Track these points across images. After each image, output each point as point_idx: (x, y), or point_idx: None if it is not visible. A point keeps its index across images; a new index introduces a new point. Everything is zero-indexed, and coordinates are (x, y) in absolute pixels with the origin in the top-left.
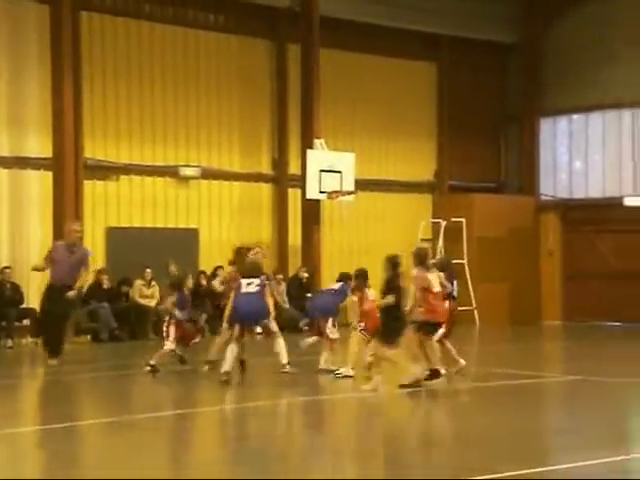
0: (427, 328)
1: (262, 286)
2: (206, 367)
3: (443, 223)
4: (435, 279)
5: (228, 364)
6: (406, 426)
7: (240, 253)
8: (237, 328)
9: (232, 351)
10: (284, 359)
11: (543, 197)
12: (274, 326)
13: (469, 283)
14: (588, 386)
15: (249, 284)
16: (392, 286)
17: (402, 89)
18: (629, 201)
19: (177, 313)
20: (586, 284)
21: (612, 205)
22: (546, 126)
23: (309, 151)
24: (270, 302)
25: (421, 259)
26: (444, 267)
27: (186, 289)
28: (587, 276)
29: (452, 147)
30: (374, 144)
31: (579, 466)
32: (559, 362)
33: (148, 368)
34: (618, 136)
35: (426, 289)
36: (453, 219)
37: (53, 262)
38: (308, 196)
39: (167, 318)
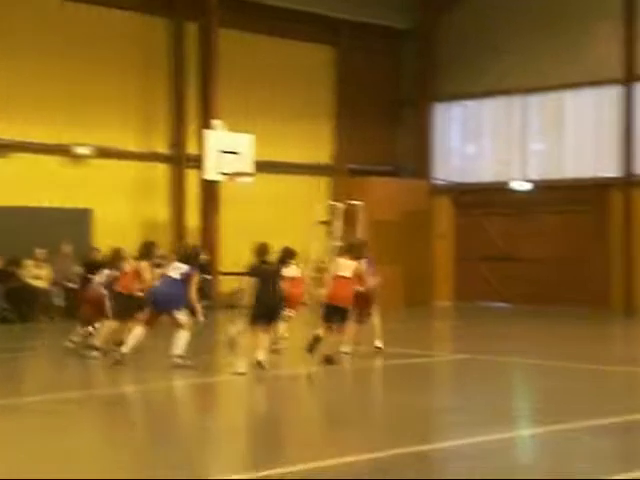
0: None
1: (187, 275)
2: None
3: (341, 206)
4: (348, 264)
5: (128, 346)
6: (290, 406)
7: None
8: (148, 311)
9: (136, 334)
10: (177, 350)
11: (436, 181)
12: (182, 317)
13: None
14: (476, 364)
15: (175, 269)
16: (257, 272)
17: (301, 71)
18: (515, 185)
19: None
20: (476, 266)
21: (500, 189)
22: (440, 111)
23: (207, 132)
24: (191, 293)
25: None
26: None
27: None
28: (477, 258)
29: (350, 130)
30: (273, 126)
31: (466, 444)
32: (449, 341)
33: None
34: (508, 122)
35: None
36: (351, 202)
37: None
38: (206, 177)
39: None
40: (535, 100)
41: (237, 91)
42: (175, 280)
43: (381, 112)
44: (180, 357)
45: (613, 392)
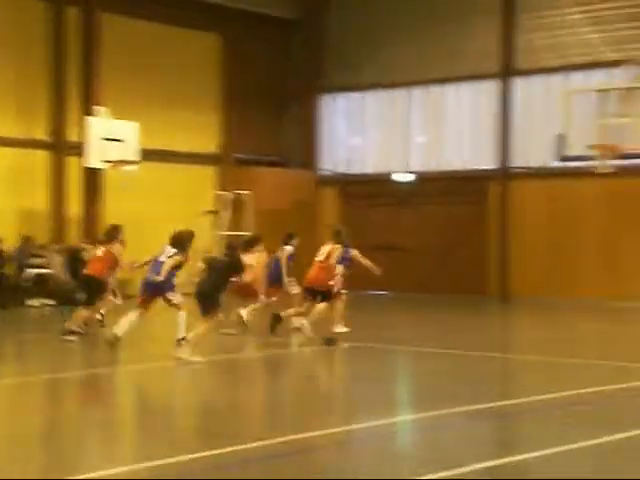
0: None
1: (171, 257)
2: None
3: (229, 195)
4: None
5: (120, 328)
6: (165, 396)
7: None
8: (141, 295)
9: (129, 317)
10: (180, 334)
11: (323, 172)
12: (176, 299)
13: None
14: (359, 352)
15: (166, 253)
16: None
17: (188, 59)
18: (398, 177)
19: None
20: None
21: (384, 180)
22: (326, 103)
23: (90, 119)
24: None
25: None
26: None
27: None
28: (363, 248)
29: (238, 120)
30: (159, 114)
31: (343, 431)
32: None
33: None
34: (392, 115)
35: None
36: (238, 191)
37: None
38: (88, 165)
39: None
40: (418, 93)
41: (122, 78)
42: (164, 264)
43: (269, 102)
44: (182, 340)
45: (488, 378)
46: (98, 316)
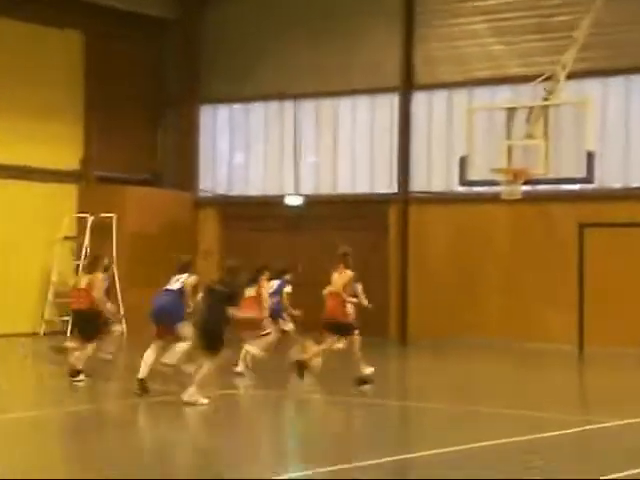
0: None
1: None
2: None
3: (90, 218)
4: None
5: (142, 371)
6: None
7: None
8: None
9: (148, 356)
10: (167, 359)
11: (202, 193)
12: (184, 330)
13: (117, 287)
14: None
15: (176, 280)
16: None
17: (45, 61)
18: (288, 199)
19: None
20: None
21: (271, 203)
22: (207, 114)
23: None
24: (189, 303)
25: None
26: None
27: None
28: (246, 279)
29: (103, 132)
30: (10, 123)
31: None
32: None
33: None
34: (280, 130)
35: None
36: (102, 214)
37: None
38: None
39: None
40: (309, 106)
41: None
42: (174, 292)
43: (141, 112)
44: (167, 365)
45: (388, 428)
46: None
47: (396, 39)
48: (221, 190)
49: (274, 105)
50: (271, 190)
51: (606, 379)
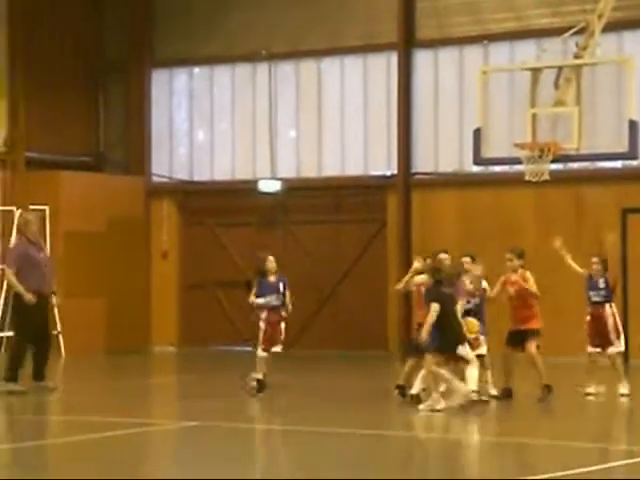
0: None
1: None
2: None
3: (17, 212)
4: None
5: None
6: None
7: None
8: None
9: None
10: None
11: (156, 178)
12: (465, 351)
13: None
14: (205, 434)
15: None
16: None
17: None
18: (262, 185)
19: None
20: (211, 295)
21: (242, 190)
22: (160, 81)
23: None
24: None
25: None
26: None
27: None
28: (214, 284)
29: (31, 106)
30: None
31: None
32: (171, 404)
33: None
34: (252, 99)
35: None
36: (31, 207)
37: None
38: None
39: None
40: (287, 70)
41: None
42: None
43: (78, 82)
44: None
45: (392, 466)
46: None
47: None
48: (180, 175)
49: (244, 68)
50: (242, 174)
51: None
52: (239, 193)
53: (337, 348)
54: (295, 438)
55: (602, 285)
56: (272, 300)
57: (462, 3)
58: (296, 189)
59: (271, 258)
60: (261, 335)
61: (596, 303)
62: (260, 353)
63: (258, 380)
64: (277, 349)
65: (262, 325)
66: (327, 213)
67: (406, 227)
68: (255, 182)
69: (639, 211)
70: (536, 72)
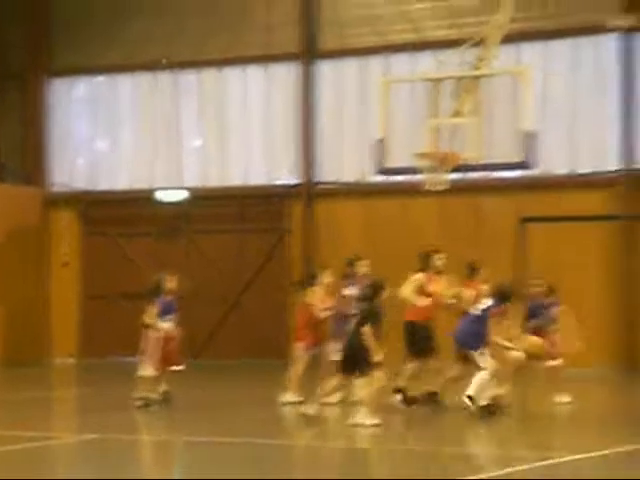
0: None
1: (485, 310)
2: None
3: None
4: None
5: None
6: None
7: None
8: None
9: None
10: (470, 390)
11: (55, 188)
12: (482, 360)
13: None
14: (106, 447)
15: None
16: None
17: None
18: (167, 195)
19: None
20: (112, 307)
21: (146, 199)
22: (60, 90)
23: None
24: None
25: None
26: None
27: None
28: (115, 295)
29: None
30: None
31: None
32: (71, 417)
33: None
34: (154, 107)
35: None
36: None
37: None
38: None
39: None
40: (190, 79)
41: None
42: (475, 317)
43: None
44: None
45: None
46: None
47: None
48: (79, 184)
49: (146, 77)
50: (143, 184)
51: None
52: (141, 203)
53: (241, 357)
54: (193, 448)
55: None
56: (172, 320)
57: (363, 14)
58: (200, 198)
59: (171, 277)
60: (156, 355)
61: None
62: (152, 372)
63: (152, 398)
64: (179, 367)
65: (156, 344)
66: (231, 222)
67: (309, 236)
68: (157, 192)
69: (536, 220)
70: (436, 83)
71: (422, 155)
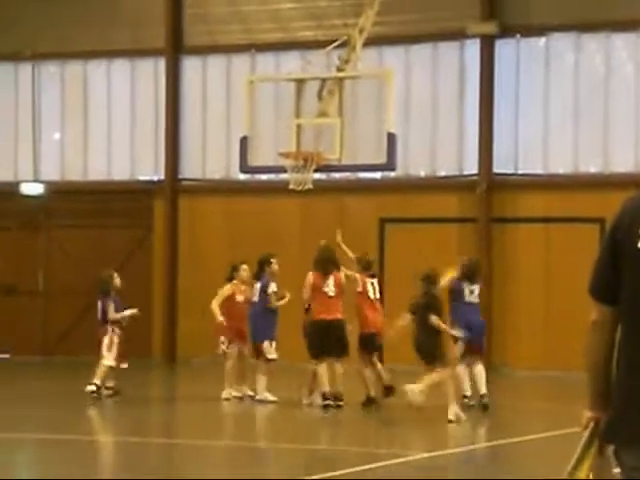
0: None
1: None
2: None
3: None
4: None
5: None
6: None
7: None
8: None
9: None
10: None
11: None
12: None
13: None
14: None
15: (472, 291)
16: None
17: None
18: (27, 189)
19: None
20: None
21: (6, 193)
22: None
23: None
24: None
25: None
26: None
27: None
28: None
29: None
30: None
31: None
32: None
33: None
34: (14, 99)
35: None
36: None
37: None
38: None
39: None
40: (52, 71)
41: None
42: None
43: None
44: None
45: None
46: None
47: None
48: None
49: (6, 67)
50: (3, 176)
51: None
52: (4, 196)
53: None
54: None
55: None
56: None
57: (231, 12)
58: (60, 192)
59: (117, 275)
60: (115, 349)
61: None
62: (111, 362)
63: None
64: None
65: (116, 339)
66: (92, 217)
67: (173, 233)
68: (17, 185)
69: (395, 221)
70: (301, 83)
71: (286, 154)
